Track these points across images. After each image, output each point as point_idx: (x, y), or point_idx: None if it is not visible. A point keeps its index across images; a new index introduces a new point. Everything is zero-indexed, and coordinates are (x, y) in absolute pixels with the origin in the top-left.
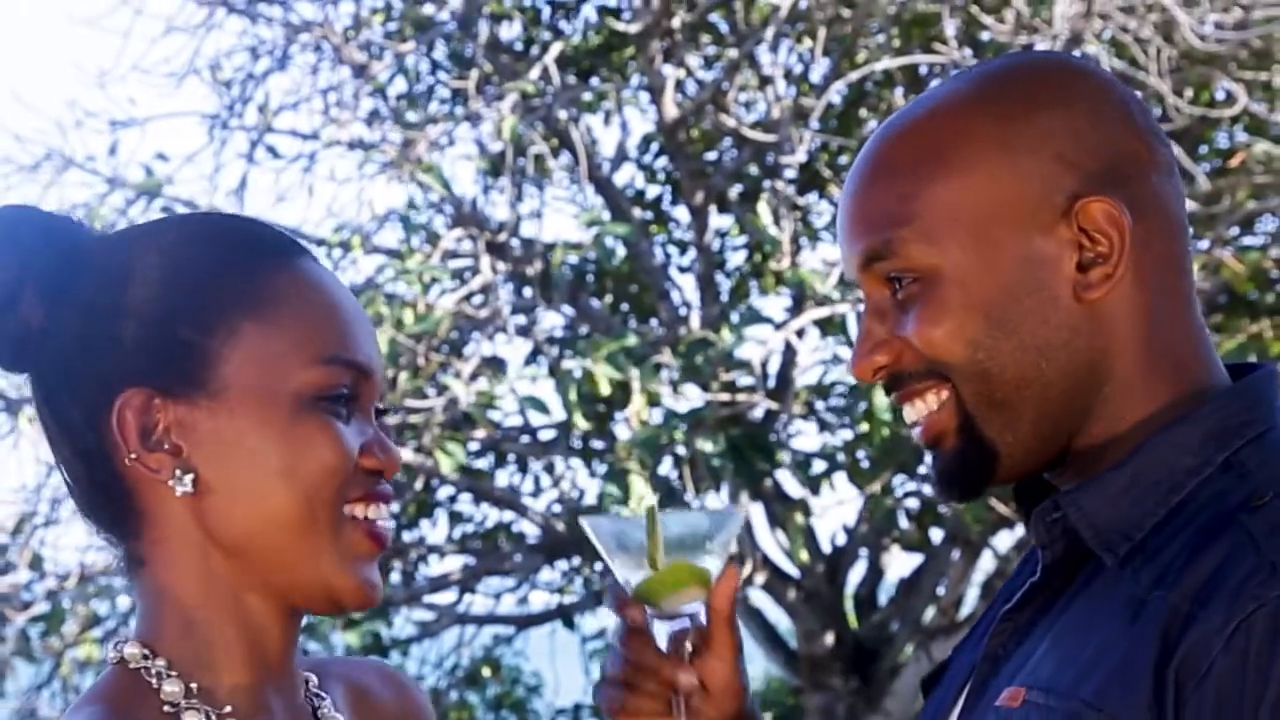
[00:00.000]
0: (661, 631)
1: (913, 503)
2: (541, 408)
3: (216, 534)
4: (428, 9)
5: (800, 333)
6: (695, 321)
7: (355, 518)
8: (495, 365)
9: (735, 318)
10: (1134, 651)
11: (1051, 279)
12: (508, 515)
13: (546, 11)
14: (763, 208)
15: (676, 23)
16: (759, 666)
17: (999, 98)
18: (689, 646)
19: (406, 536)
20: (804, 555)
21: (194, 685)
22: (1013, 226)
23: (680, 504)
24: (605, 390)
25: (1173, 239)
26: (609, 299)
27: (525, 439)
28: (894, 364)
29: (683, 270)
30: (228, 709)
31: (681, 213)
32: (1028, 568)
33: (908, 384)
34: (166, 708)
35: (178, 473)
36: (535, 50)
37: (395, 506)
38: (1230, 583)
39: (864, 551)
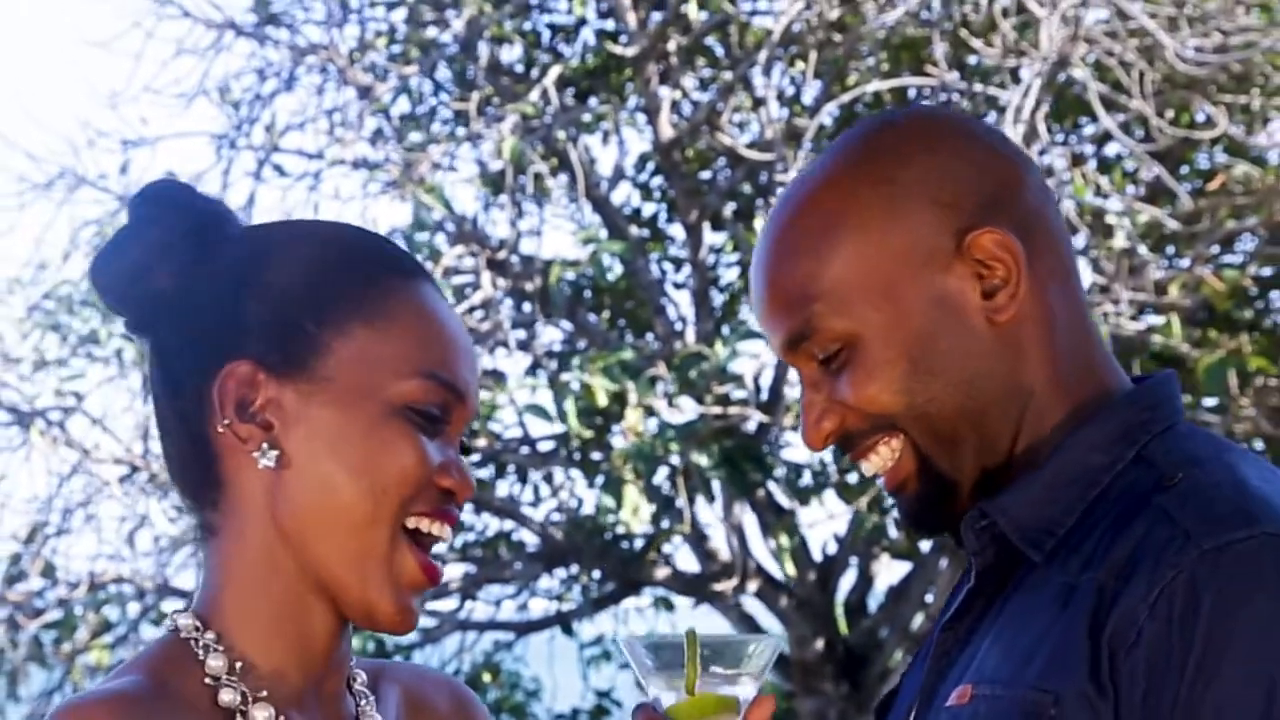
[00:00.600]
0: None
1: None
2: (545, 414)
3: (282, 514)
4: (430, 32)
5: None
6: (690, 336)
7: (418, 530)
8: (496, 378)
9: (729, 333)
10: (1069, 633)
11: (962, 314)
12: (508, 524)
13: (546, 35)
14: (758, 224)
15: (672, 46)
16: None
17: (871, 161)
18: None
19: None
20: (796, 563)
21: (238, 663)
22: (914, 277)
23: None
24: (602, 402)
25: (1057, 248)
26: (606, 314)
27: (525, 450)
28: (840, 427)
29: (678, 286)
30: (264, 693)
31: (677, 230)
32: (963, 580)
33: (859, 442)
34: (208, 680)
35: (264, 446)
36: (535, 72)
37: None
38: (1150, 555)
39: (854, 560)
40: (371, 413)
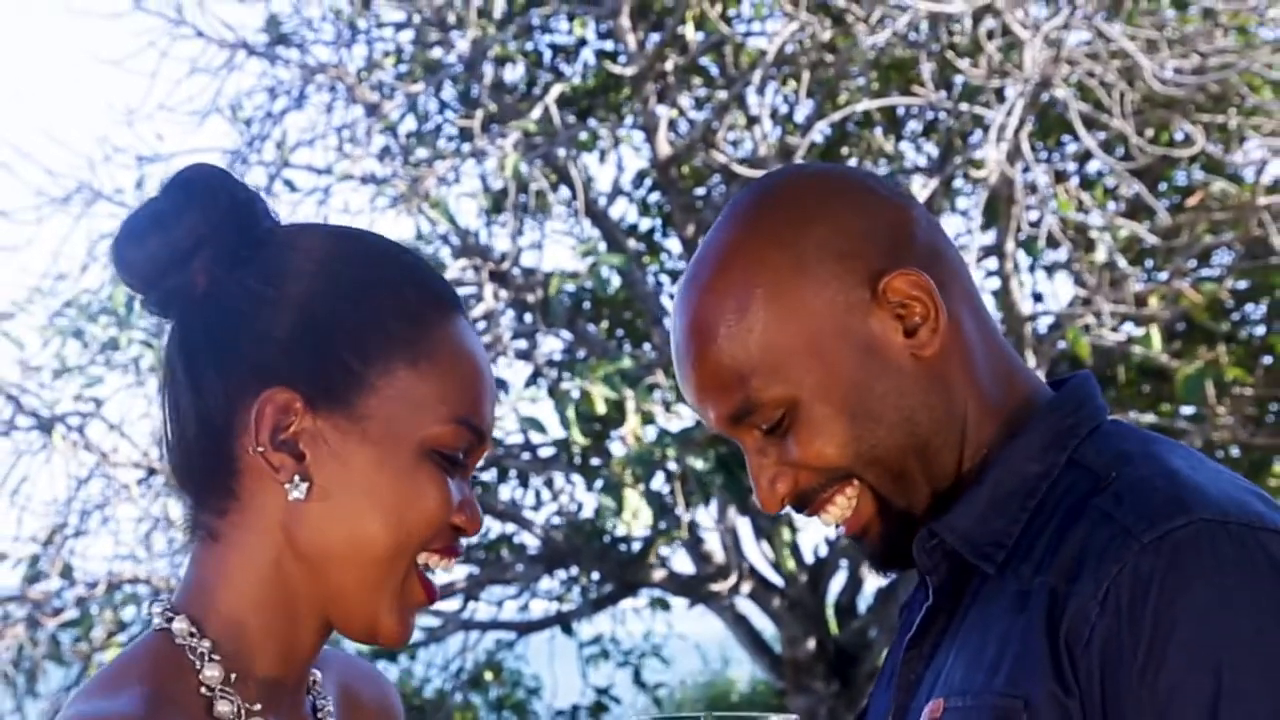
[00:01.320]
0: None
1: None
2: (541, 427)
3: (301, 542)
4: (436, 52)
5: None
6: None
7: (425, 565)
8: (499, 387)
9: None
10: (1028, 637)
11: (889, 356)
12: (510, 527)
13: (548, 55)
14: None
15: (669, 66)
16: (746, 670)
17: (770, 228)
18: None
19: None
20: (788, 565)
21: (233, 675)
22: (837, 331)
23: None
24: (601, 410)
25: (958, 275)
26: (605, 324)
27: (526, 456)
28: (794, 488)
29: (674, 298)
30: (257, 706)
31: (673, 244)
32: (917, 600)
33: (816, 497)
34: (203, 690)
35: (296, 478)
36: (537, 91)
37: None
38: (1094, 554)
39: (844, 562)
40: (405, 455)
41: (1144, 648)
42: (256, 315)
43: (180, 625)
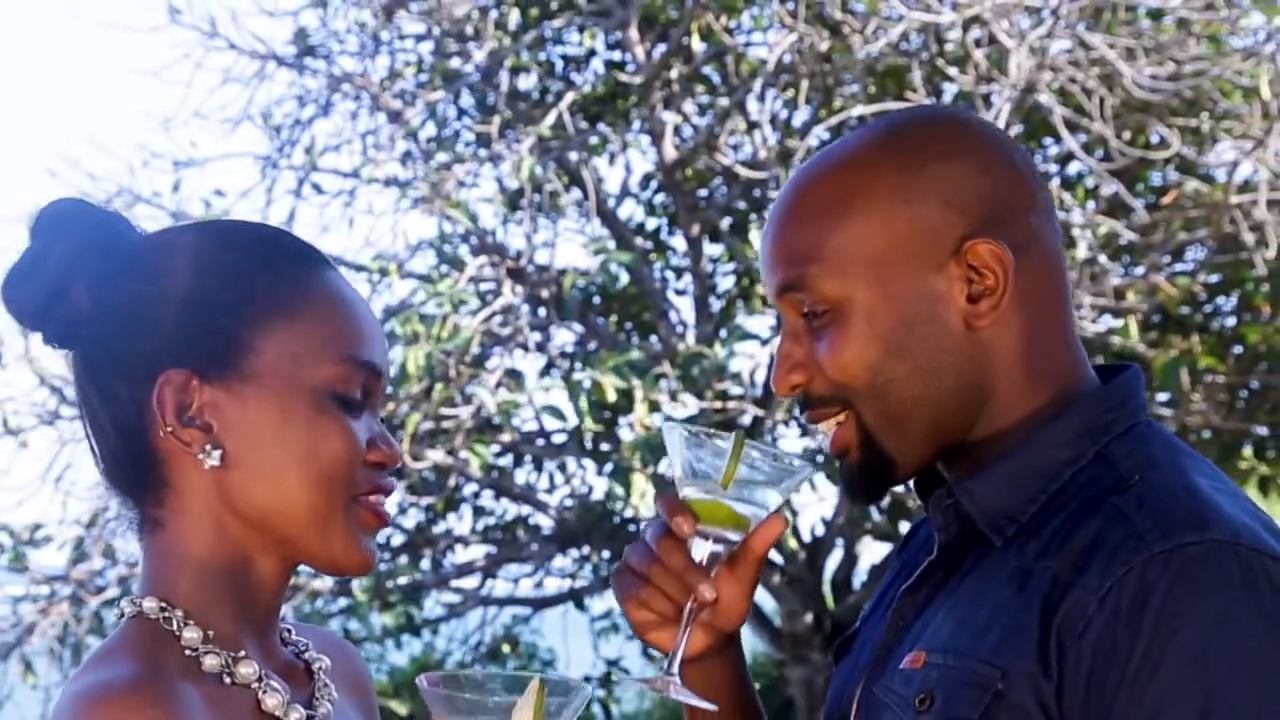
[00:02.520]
0: (696, 546)
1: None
2: (558, 414)
3: (236, 505)
4: (455, 62)
5: None
6: (691, 338)
7: (362, 502)
8: (515, 377)
9: (726, 335)
10: (1022, 614)
11: (944, 311)
12: (525, 509)
13: (560, 64)
14: (752, 237)
15: (675, 74)
16: (747, 643)
17: (896, 151)
18: (715, 568)
19: (436, 528)
20: (788, 544)
21: (210, 631)
22: (909, 265)
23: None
24: (612, 398)
25: (1050, 271)
26: (614, 318)
27: (541, 442)
28: (806, 385)
29: (679, 293)
30: (242, 652)
31: (678, 242)
32: (912, 545)
33: (816, 407)
34: (188, 652)
35: (208, 448)
36: (550, 99)
37: (423, 500)
38: (1104, 551)
39: (840, 541)
40: (301, 403)
41: (1140, 651)
42: (142, 315)
43: (150, 604)
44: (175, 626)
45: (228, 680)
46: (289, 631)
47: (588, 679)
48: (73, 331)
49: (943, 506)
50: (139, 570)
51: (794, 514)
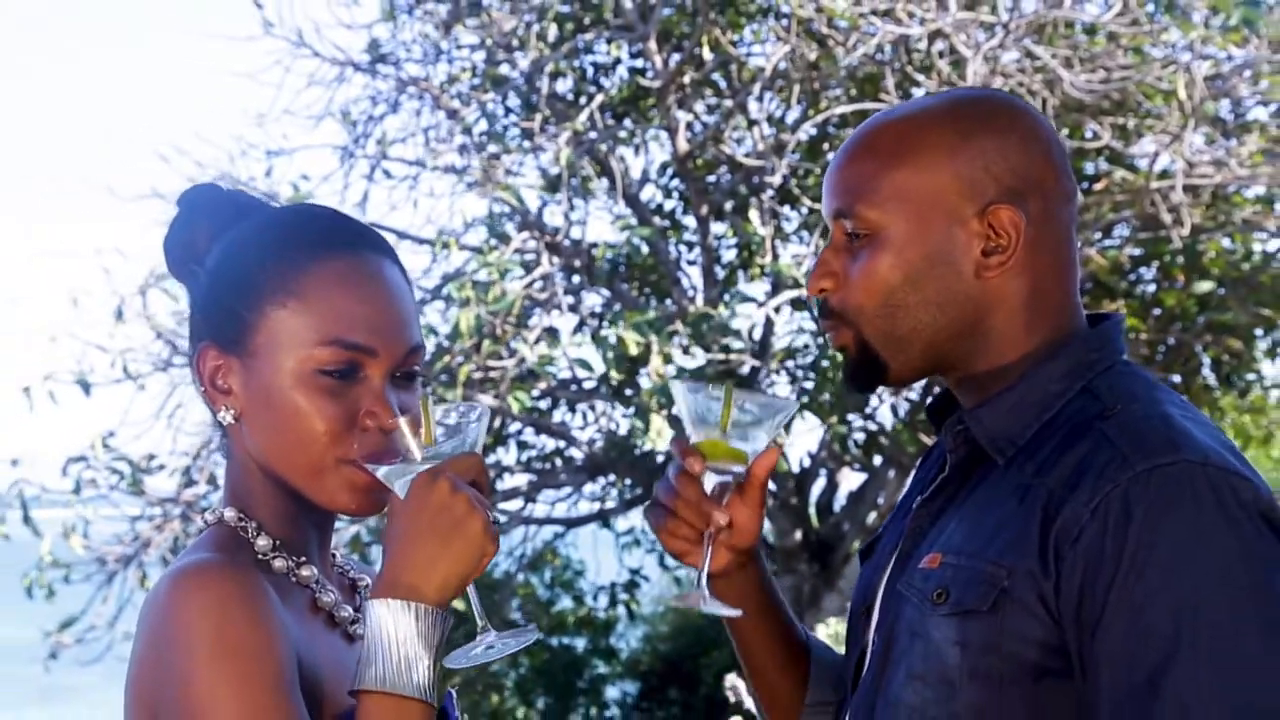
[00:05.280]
0: (708, 479)
1: (860, 435)
2: (587, 365)
3: (252, 454)
4: (503, 68)
5: (777, 309)
6: (699, 300)
7: (352, 462)
8: (552, 333)
9: (729, 298)
10: (1024, 524)
11: (960, 258)
12: (560, 444)
13: (591, 71)
14: (751, 216)
15: (687, 80)
16: None
17: (956, 117)
18: (726, 497)
19: (486, 460)
20: (779, 473)
21: (277, 540)
22: (941, 213)
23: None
24: (633, 351)
25: (1058, 244)
26: (636, 284)
27: (574, 388)
28: (830, 293)
29: (690, 263)
30: (303, 558)
31: (690, 221)
32: (926, 464)
33: (828, 317)
34: (259, 555)
35: (224, 408)
36: (583, 100)
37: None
38: (1093, 470)
39: (824, 471)
40: (287, 379)
41: (1129, 555)
42: (201, 289)
43: (230, 514)
44: (250, 534)
45: (292, 580)
46: (336, 555)
47: (613, 585)
48: (193, 287)
49: (954, 431)
50: (222, 485)
51: (783, 454)
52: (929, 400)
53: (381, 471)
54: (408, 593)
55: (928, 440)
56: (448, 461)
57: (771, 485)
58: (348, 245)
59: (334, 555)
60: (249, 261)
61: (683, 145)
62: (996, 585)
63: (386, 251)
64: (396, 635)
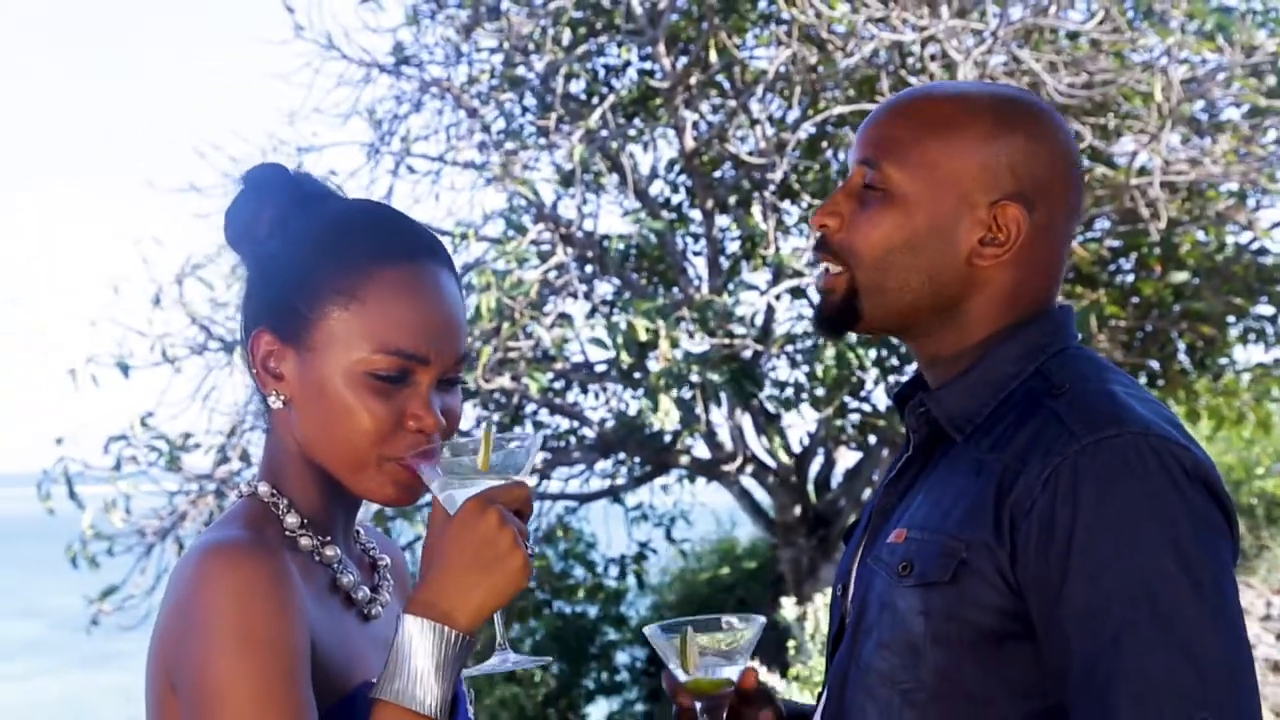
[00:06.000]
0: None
1: (855, 417)
2: (603, 346)
3: (296, 438)
4: (520, 70)
5: (778, 297)
6: (705, 289)
7: (394, 461)
8: (566, 319)
9: (733, 287)
10: (980, 497)
11: (959, 239)
12: (574, 423)
13: (603, 72)
14: (754, 210)
15: (693, 81)
16: (748, 530)
17: (999, 111)
18: (724, 714)
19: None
20: (780, 452)
21: (306, 519)
22: (956, 193)
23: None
24: (643, 336)
25: (1051, 255)
26: (645, 273)
27: (586, 370)
28: (833, 231)
29: (696, 254)
30: (328, 538)
31: (696, 214)
32: (899, 451)
33: (824, 250)
34: (287, 532)
35: (275, 392)
36: (595, 100)
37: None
38: (1043, 445)
39: (822, 450)
40: (340, 379)
41: (1081, 525)
42: (266, 270)
43: (264, 488)
44: (281, 510)
45: (316, 559)
46: (360, 531)
47: (623, 558)
48: (249, 261)
49: (917, 413)
50: (258, 460)
51: (783, 435)
52: (896, 388)
53: (436, 484)
54: (442, 617)
55: None
56: (499, 490)
57: (772, 463)
58: (408, 254)
59: (358, 532)
60: (311, 259)
61: (689, 143)
62: (956, 557)
63: (444, 260)
64: (423, 655)
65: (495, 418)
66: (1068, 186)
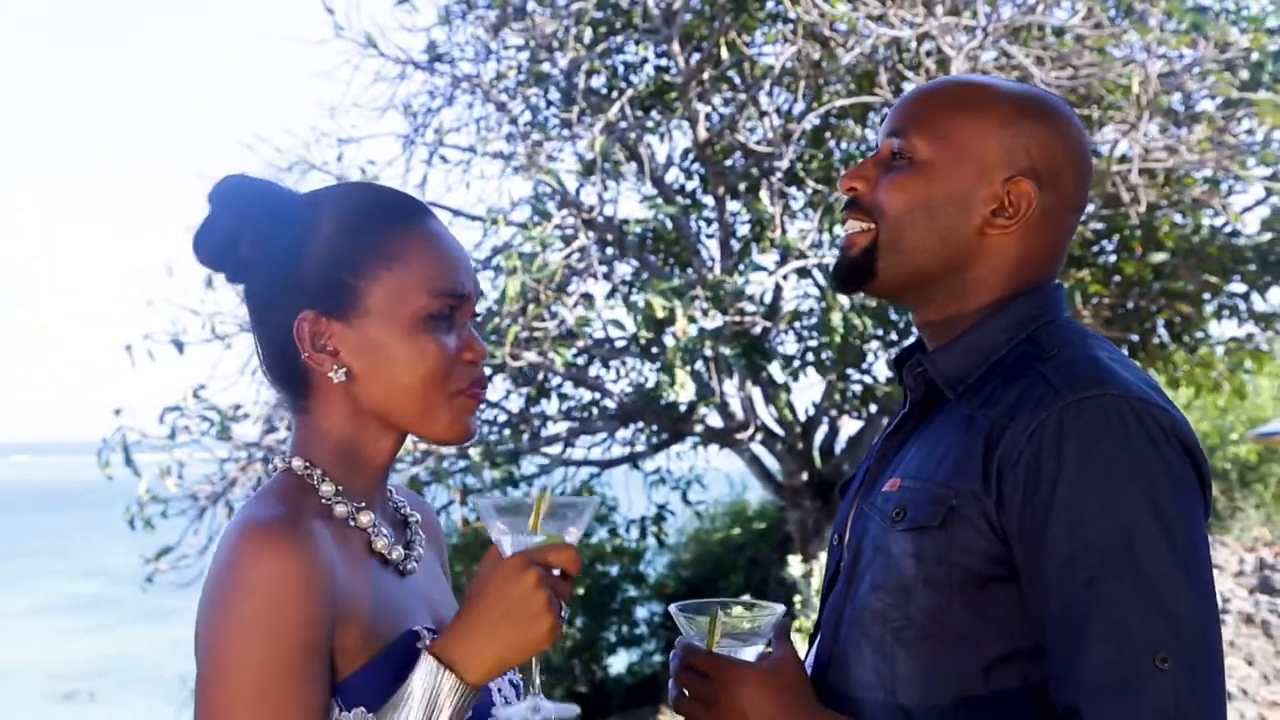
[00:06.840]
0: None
1: (857, 387)
2: (620, 326)
3: (363, 404)
4: (545, 66)
5: (785, 277)
6: (717, 270)
7: (462, 393)
8: (588, 299)
9: (743, 268)
10: (969, 450)
11: (973, 209)
12: (596, 395)
13: (621, 69)
14: (762, 196)
15: (706, 76)
16: (758, 493)
17: (1023, 100)
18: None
19: (531, 410)
20: (787, 421)
21: (340, 487)
22: (976, 167)
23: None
24: (659, 314)
25: (1054, 238)
26: (661, 255)
27: (607, 346)
28: (860, 190)
29: (709, 237)
30: (362, 504)
31: (708, 200)
32: (897, 410)
33: (854, 210)
34: (323, 500)
35: (335, 368)
36: (615, 94)
37: (513, 394)
38: (1029, 402)
39: (826, 419)
40: (402, 328)
41: (1065, 478)
42: (289, 264)
43: (298, 463)
44: (315, 481)
45: (351, 524)
46: (392, 492)
47: (643, 519)
48: (241, 273)
49: (914, 373)
50: (290, 438)
51: (791, 405)
52: (895, 353)
53: (495, 528)
54: (455, 663)
55: None
56: (549, 550)
57: (780, 430)
58: (419, 212)
59: (390, 491)
60: (345, 238)
61: (702, 134)
62: (945, 504)
63: (436, 216)
64: (428, 697)
65: (553, 484)
66: (1077, 179)
